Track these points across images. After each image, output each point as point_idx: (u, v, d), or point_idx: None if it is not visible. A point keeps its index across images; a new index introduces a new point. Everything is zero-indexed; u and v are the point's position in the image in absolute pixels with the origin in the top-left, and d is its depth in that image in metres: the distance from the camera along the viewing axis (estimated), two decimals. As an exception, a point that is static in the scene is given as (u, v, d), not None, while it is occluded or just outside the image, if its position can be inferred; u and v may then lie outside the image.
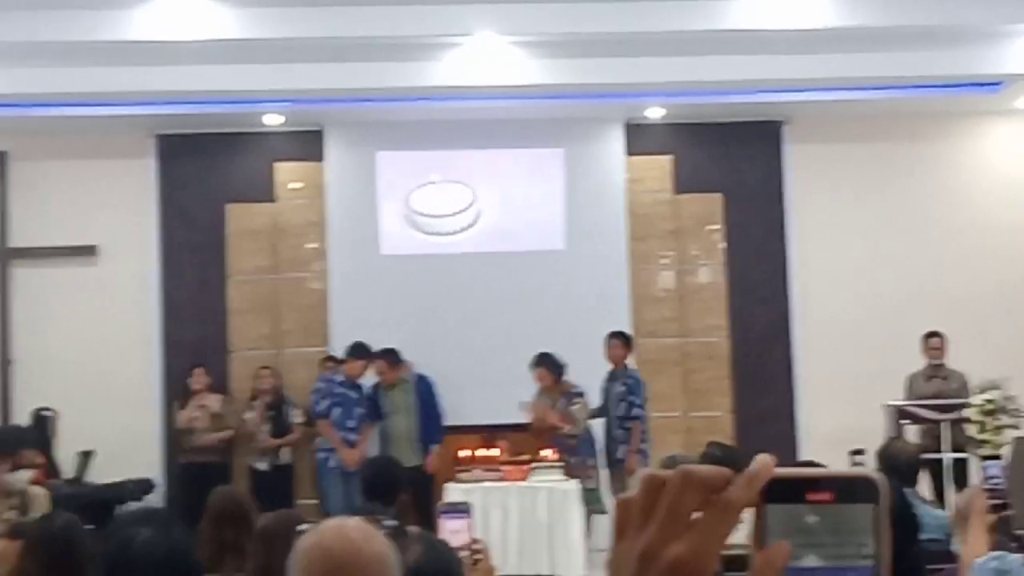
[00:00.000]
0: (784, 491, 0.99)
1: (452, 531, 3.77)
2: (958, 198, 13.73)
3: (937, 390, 12.11)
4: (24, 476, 10.20)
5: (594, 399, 11.76)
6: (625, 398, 11.54)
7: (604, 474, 11.58)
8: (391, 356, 12.24)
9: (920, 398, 12.06)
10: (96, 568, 3.43)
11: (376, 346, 12.38)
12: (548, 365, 11.57)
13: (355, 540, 2.56)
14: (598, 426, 11.72)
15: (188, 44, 11.05)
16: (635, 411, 11.52)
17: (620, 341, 11.88)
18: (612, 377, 11.77)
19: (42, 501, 5.31)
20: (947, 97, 12.82)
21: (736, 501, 0.97)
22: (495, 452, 11.56)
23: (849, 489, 1.00)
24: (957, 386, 11.98)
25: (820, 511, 0.99)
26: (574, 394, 11.49)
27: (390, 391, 12.28)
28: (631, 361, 11.99)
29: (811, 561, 0.98)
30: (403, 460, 11.61)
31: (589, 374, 11.99)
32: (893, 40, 11.35)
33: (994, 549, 4.68)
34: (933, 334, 12.28)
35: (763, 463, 0.99)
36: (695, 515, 0.98)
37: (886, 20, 11.11)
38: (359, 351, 12.21)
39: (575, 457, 11.31)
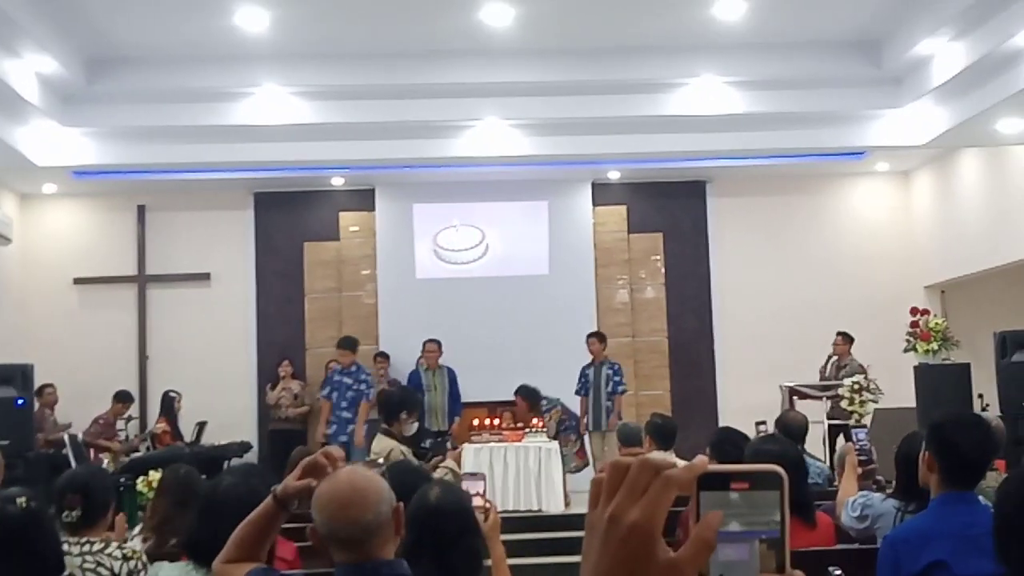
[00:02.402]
0: (714, 481, 1.00)
1: (472, 491, 3.86)
2: (835, 236, 13.75)
3: (831, 373, 12.08)
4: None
5: (570, 382, 11.70)
6: (612, 379, 11.49)
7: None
8: (438, 343, 12.20)
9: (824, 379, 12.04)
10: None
11: (417, 345, 12.35)
12: (523, 395, 11.46)
13: (354, 480, 2.57)
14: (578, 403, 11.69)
15: (276, 127, 11.07)
16: (620, 388, 11.52)
17: (596, 339, 11.78)
18: (597, 365, 11.63)
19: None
20: (826, 162, 12.80)
21: (676, 478, 0.98)
22: (498, 421, 11.54)
23: (762, 480, 1.01)
24: (850, 371, 11.93)
25: (740, 496, 1.00)
26: (546, 409, 11.42)
27: (432, 372, 12.23)
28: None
29: (735, 527, 0.99)
30: (436, 426, 11.66)
31: (567, 363, 11.98)
32: (787, 121, 11.34)
33: (861, 491, 4.69)
34: (838, 333, 12.23)
35: (700, 460, 1.01)
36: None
37: (781, 107, 11.11)
38: (349, 343, 11.96)
39: (568, 429, 11.30)
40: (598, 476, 1.02)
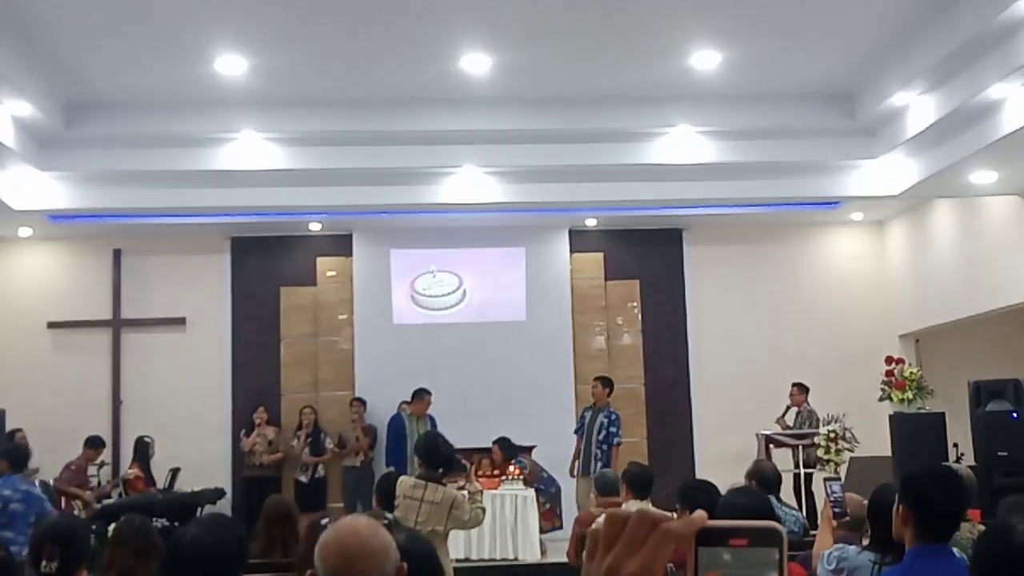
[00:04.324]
0: (712, 536, 0.99)
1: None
2: (810, 284, 13.84)
3: (795, 423, 12.22)
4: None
5: (546, 429, 11.67)
6: (606, 428, 11.22)
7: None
8: (428, 393, 12.18)
9: (786, 429, 12.15)
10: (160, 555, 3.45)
11: (394, 391, 12.32)
12: (501, 445, 11.49)
13: (362, 533, 2.54)
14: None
15: (254, 172, 11.06)
16: (615, 439, 11.17)
17: (600, 383, 11.58)
18: (595, 409, 11.47)
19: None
20: (801, 212, 12.88)
21: (674, 531, 0.98)
22: (474, 468, 11.46)
23: (760, 536, 1.00)
24: (810, 420, 12.07)
25: (738, 553, 0.99)
26: (520, 463, 11.39)
27: (418, 420, 12.14)
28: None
29: None
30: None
31: (544, 410, 11.98)
32: (762, 171, 11.42)
33: (838, 542, 4.68)
34: (794, 384, 12.38)
35: (700, 515, 1.00)
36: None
37: (757, 156, 11.20)
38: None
39: (537, 490, 11.23)
40: (595, 527, 1.02)
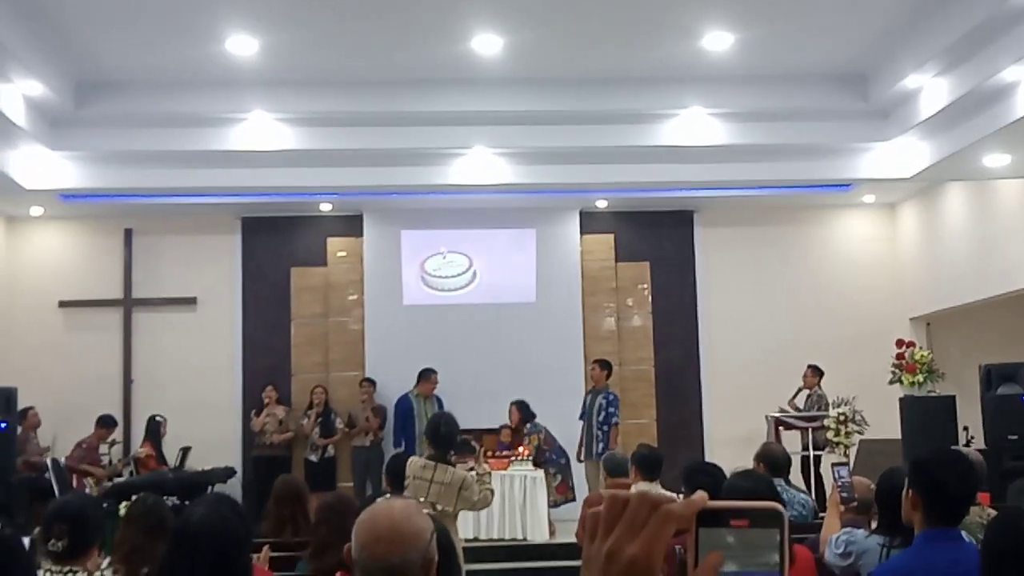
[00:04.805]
0: (713, 517, 1.00)
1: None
2: (821, 267, 13.79)
3: (805, 405, 12.19)
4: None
5: (555, 410, 11.71)
6: (605, 409, 11.30)
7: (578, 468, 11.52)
8: (433, 372, 12.35)
9: (797, 411, 12.14)
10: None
11: (403, 372, 12.37)
12: (519, 406, 11.58)
13: (395, 517, 2.55)
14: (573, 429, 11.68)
15: (265, 153, 11.08)
16: (614, 419, 11.27)
17: (598, 366, 11.66)
18: (594, 393, 11.57)
19: None
20: (813, 194, 12.86)
21: (675, 513, 0.98)
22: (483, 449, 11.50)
23: (761, 517, 1.00)
24: (819, 403, 12.04)
25: (739, 533, 1.00)
26: (528, 432, 11.40)
27: (426, 401, 12.22)
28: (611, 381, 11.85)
29: (732, 567, 0.99)
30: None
31: (554, 391, 11.99)
32: (774, 153, 11.40)
33: (845, 526, 4.68)
34: (809, 365, 12.34)
35: (700, 496, 1.00)
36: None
37: (769, 138, 11.17)
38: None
39: (548, 461, 11.27)
40: (595, 510, 1.02)
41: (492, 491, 6.67)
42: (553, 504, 11.01)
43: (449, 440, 6.63)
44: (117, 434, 12.53)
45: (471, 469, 6.75)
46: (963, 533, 3.64)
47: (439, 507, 6.16)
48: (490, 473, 6.82)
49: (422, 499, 6.22)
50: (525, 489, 10.81)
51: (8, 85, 9.42)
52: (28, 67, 9.18)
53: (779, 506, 1.02)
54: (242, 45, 9.74)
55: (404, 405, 12.36)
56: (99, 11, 9.04)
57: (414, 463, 6.52)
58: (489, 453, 11.27)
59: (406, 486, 6.39)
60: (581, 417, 11.63)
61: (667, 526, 0.98)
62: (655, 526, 0.98)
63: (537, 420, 11.45)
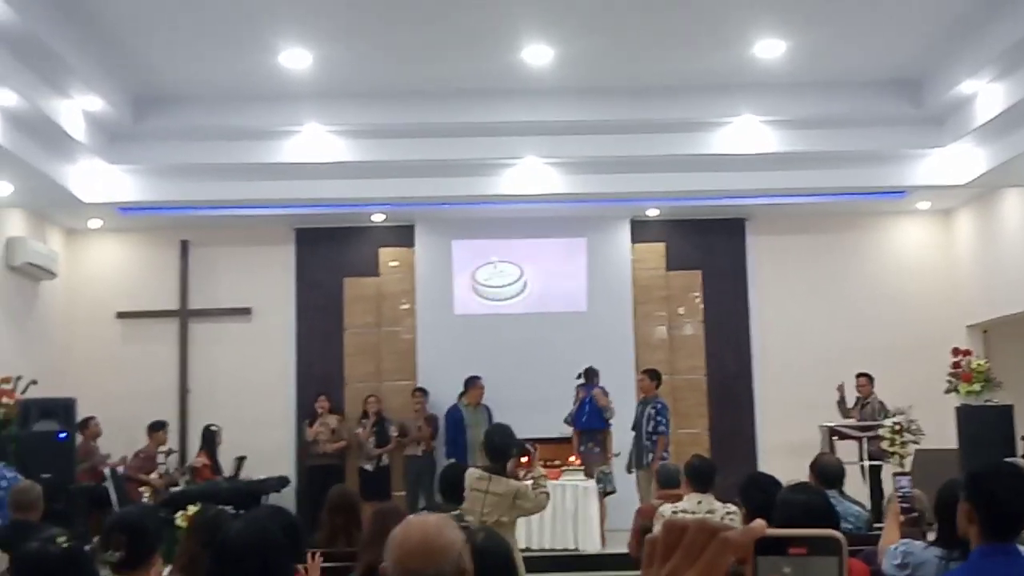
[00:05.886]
0: (771, 545, 0.98)
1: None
2: (876, 275, 13.65)
3: (861, 415, 12.03)
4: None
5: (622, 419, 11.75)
6: (654, 418, 11.26)
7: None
8: (478, 378, 12.46)
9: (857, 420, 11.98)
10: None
11: (455, 381, 12.45)
12: (587, 373, 11.79)
13: (428, 531, 2.56)
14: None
15: (318, 165, 11.20)
16: (660, 428, 11.22)
17: (647, 376, 11.62)
18: (644, 402, 11.53)
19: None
20: (867, 201, 12.74)
21: (733, 542, 0.97)
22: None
23: (820, 545, 0.98)
24: (876, 411, 11.88)
25: (797, 562, 0.98)
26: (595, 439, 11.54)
27: (475, 410, 12.27)
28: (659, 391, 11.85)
29: None
30: (479, 462, 11.63)
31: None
32: (827, 160, 11.32)
33: (904, 538, 4.63)
34: (860, 375, 12.21)
35: (758, 524, 0.99)
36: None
37: (821, 146, 11.11)
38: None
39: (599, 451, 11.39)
40: (652, 536, 1.02)
41: (547, 494, 6.68)
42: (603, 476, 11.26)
43: (504, 451, 6.65)
44: (173, 443, 12.68)
45: (527, 473, 6.79)
46: (1021, 548, 3.59)
47: (495, 518, 6.18)
48: (545, 476, 6.84)
49: (478, 510, 6.25)
50: (577, 499, 10.80)
51: (68, 101, 9.61)
52: (87, 83, 9.36)
53: (838, 533, 1.01)
54: (296, 58, 9.85)
55: (454, 415, 12.41)
56: (156, 27, 9.20)
57: (471, 474, 6.56)
58: (542, 462, 11.28)
59: (464, 497, 6.42)
60: (633, 428, 11.59)
61: (724, 554, 0.97)
62: (713, 554, 0.97)
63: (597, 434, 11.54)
